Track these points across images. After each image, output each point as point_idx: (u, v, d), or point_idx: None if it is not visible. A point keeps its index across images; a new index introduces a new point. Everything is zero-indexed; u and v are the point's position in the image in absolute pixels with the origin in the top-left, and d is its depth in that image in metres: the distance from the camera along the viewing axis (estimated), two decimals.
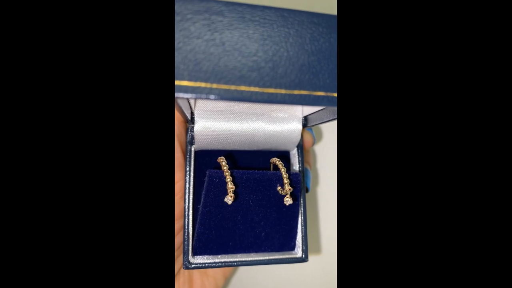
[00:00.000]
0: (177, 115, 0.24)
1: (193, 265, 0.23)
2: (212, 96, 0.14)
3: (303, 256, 0.25)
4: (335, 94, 0.16)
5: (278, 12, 0.15)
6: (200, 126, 0.24)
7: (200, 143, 0.25)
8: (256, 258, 0.25)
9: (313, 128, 0.30)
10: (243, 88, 0.15)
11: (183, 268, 0.23)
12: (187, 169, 0.25)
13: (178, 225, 0.25)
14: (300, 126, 0.25)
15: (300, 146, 0.27)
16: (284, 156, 0.28)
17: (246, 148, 0.26)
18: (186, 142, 0.25)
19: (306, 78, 0.16)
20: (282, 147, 0.27)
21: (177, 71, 0.14)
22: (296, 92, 0.15)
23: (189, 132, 0.24)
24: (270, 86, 0.15)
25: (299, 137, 0.26)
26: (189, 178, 0.25)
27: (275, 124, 0.25)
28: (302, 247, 0.25)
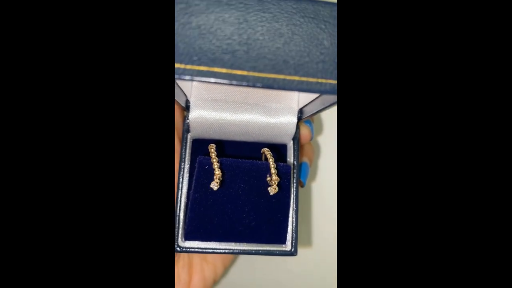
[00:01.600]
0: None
1: (182, 249, 0.24)
2: (186, 77, 0.15)
3: (292, 249, 0.25)
4: (311, 79, 0.16)
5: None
6: (195, 114, 0.25)
7: (196, 131, 0.26)
8: (244, 248, 0.25)
9: (314, 123, 0.30)
10: (215, 69, 0.15)
11: None
12: (183, 155, 0.25)
13: None
14: (295, 119, 0.25)
15: (296, 139, 0.27)
16: (281, 149, 0.28)
17: (242, 139, 0.26)
18: (183, 130, 0.26)
19: (281, 62, 0.16)
20: (278, 140, 0.27)
21: (179, 56, 0.15)
22: (270, 75, 0.16)
23: (186, 120, 0.25)
24: (243, 69, 0.15)
25: (293, 130, 0.26)
26: (184, 164, 0.25)
27: (269, 116, 0.25)
28: (292, 241, 0.25)
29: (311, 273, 0.32)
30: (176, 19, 0.15)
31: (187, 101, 0.25)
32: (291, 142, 0.27)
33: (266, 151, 0.24)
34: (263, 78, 0.15)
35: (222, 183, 0.24)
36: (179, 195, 0.25)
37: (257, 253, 0.25)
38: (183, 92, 0.24)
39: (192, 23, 0.15)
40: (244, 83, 0.15)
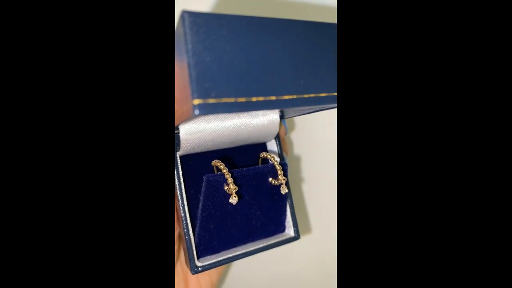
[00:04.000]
0: None
1: (200, 268, 0.24)
2: (236, 109, 0.15)
3: (295, 235, 0.28)
4: (335, 93, 0.18)
5: (283, 23, 0.16)
6: (185, 131, 0.23)
7: (185, 148, 0.24)
8: (255, 247, 0.26)
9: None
10: (261, 98, 0.15)
11: (192, 273, 0.24)
12: (176, 176, 0.24)
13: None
14: (278, 118, 0.27)
15: (278, 137, 0.28)
16: (262, 147, 0.29)
17: (229, 146, 0.27)
18: None
19: (312, 83, 0.17)
20: (262, 140, 0.28)
21: (200, 89, 0.14)
22: (305, 96, 0.17)
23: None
24: (283, 94, 0.16)
25: (277, 128, 0.27)
26: (180, 184, 0.24)
27: (256, 118, 0.26)
28: (294, 227, 0.28)
29: (312, 256, 0.36)
30: (213, 50, 0.14)
31: None
32: (273, 139, 0.29)
33: (267, 155, 0.25)
34: (301, 99, 0.17)
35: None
36: (184, 218, 0.24)
37: (268, 247, 0.27)
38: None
39: (230, 54, 0.15)
40: (288, 106, 0.16)
